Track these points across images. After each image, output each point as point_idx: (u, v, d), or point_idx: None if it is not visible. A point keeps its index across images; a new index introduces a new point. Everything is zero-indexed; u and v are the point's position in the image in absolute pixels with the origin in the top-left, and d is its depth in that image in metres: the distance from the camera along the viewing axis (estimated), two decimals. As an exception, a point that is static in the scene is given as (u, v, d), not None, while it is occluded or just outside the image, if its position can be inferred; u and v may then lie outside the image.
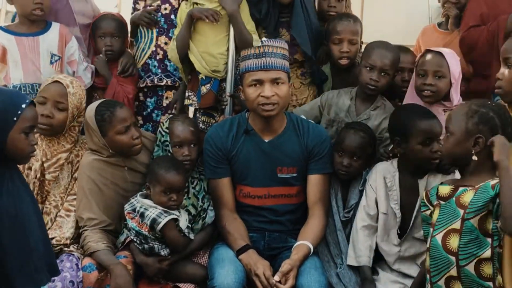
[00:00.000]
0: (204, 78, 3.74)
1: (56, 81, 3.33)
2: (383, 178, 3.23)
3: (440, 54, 3.36)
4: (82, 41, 3.95)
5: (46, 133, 3.31)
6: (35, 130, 2.57)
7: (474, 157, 2.55)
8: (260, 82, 3.19)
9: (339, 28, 3.75)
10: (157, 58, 3.97)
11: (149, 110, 4.04)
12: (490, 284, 2.49)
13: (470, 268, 2.48)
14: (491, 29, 3.50)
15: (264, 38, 3.37)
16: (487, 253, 2.47)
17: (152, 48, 3.96)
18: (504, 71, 2.79)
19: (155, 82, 3.97)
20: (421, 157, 3.12)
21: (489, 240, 2.48)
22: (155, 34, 3.93)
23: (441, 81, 3.34)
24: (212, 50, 3.71)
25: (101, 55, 3.95)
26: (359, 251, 3.20)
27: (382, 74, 3.50)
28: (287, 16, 3.85)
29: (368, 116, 3.55)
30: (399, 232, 3.19)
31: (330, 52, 3.80)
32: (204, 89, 3.75)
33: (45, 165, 3.32)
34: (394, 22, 3.84)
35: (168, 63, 3.95)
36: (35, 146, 2.54)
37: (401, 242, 3.18)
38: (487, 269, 2.48)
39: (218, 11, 3.65)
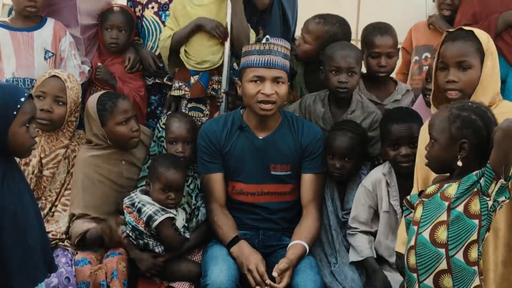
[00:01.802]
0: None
1: (54, 76, 3.36)
2: (382, 176, 3.22)
3: None
4: (82, 41, 3.94)
5: (46, 128, 3.34)
6: (34, 126, 2.57)
7: (459, 163, 2.53)
8: (261, 79, 3.19)
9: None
10: None
11: (153, 107, 4.04)
12: (476, 268, 2.47)
13: (459, 256, 2.45)
14: (482, 28, 3.47)
15: (267, 37, 3.33)
16: (474, 235, 2.46)
17: None
18: (458, 74, 2.76)
19: (164, 81, 3.96)
20: (390, 161, 3.19)
21: (476, 221, 2.46)
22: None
23: None
24: (205, 42, 3.71)
25: (99, 64, 3.95)
26: (358, 247, 3.20)
27: (350, 74, 3.44)
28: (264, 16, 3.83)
29: None
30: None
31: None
32: (192, 79, 3.77)
33: (44, 161, 3.34)
34: (391, 18, 3.80)
35: None
36: (35, 138, 2.55)
37: None
38: (473, 253, 2.46)
39: (225, 28, 3.64)
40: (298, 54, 3.83)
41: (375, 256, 3.19)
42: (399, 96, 3.68)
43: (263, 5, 3.76)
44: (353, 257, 3.21)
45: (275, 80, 3.19)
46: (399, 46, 3.95)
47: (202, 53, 3.72)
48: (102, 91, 3.57)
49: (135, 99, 3.89)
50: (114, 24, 3.92)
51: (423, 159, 2.85)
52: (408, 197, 2.74)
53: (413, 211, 2.69)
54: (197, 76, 3.76)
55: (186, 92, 3.80)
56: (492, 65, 2.78)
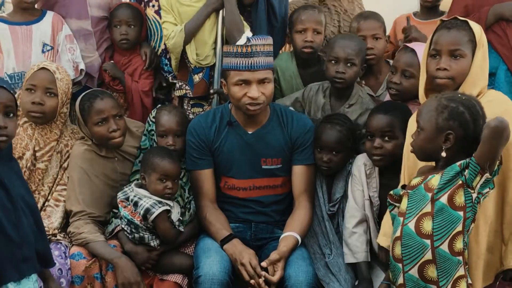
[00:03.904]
0: (196, 67, 3.76)
1: (43, 68, 3.34)
2: (364, 165, 3.22)
3: (413, 51, 3.26)
4: (92, 35, 3.91)
5: (39, 121, 3.33)
6: (12, 115, 2.50)
7: (443, 154, 2.53)
8: (246, 82, 3.16)
9: (303, 17, 3.71)
10: (168, 56, 3.91)
11: (160, 102, 4.00)
12: (460, 258, 2.49)
13: (444, 246, 2.47)
14: (473, 20, 3.46)
15: (248, 34, 3.29)
16: (459, 227, 2.46)
17: (162, 46, 3.92)
18: (449, 63, 2.76)
19: (170, 80, 3.94)
20: (366, 153, 3.18)
21: (461, 213, 2.46)
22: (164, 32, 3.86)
23: (408, 81, 3.25)
24: (206, 38, 3.72)
25: (104, 64, 3.93)
26: (354, 248, 3.18)
27: (348, 65, 3.44)
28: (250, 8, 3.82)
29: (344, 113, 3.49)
30: (377, 220, 3.20)
31: (293, 43, 3.72)
32: (196, 77, 3.77)
33: (38, 154, 3.34)
34: (382, 11, 3.82)
35: None
36: (5, 130, 2.47)
37: None
38: (458, 244, 2.47)
39: None
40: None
41: (369, 260, 3.18)
42: None
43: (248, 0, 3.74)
44: (348, 258, 3.20)
45: (261, 81, 3.17)
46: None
47: (205, 49, 3.73)
48: (90, 90, 3.55)
49: (142, 100, 3.90)
50: (122, 19, 3.88)
51: (409, 151, 2.86)
52: (391, 192, 2.74)
53: (397, 205, 2.69)
54: (201, 74, 3.77)
55: (187, 91, 3.81)
56: (482, 57, 2.79)
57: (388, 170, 3.18)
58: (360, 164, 3.23)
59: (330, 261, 3.22)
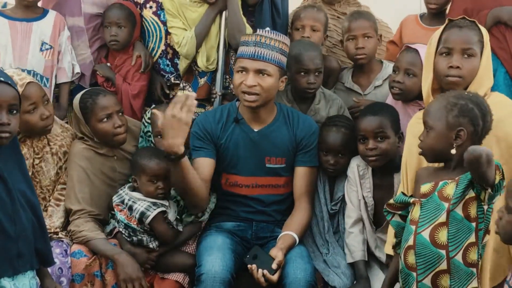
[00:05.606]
0: (203, 71, 3.79)
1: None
2: (357, 167, 3.27)
3: (415, 51, 3.29)
4: (85, 32, 3.90)
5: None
6: (15, 112, 2.45)
7: (453, 151, 2.51)
8: (245, 70, 3.20)
9: (302, 15, 3.76)
10: (168, 57, 3.92)
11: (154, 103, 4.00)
12: (474, 270, 2.48)
13: (459, 257, 2.46)
14: (472, 24, 3.51)
15: (267, 29, 3.33)
16: (472, 237, 2.46)
17: (162, 47, 3.91)
18: (461, 61, 2.77)
19: (172, 81, 3.93)
20: (360, 155, 3.22)
21: (473, 224, 2.45)
22: (163, 32, 3.87)
23: (411, 80, 3.28)
24: (213, 43, 3.75)
25: (96, 65, 3.93)
26: (352, 247, 3.23)
27: (316, 74, 3.49)
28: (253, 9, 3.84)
29: (316, 111, 3.57)
30: (372, 220, 3.25)
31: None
32: (202, 81, 3.78)
33: (36, 161, 3.30)
34: (385, 17, 3.84)
35: (178, 62, 3.89)
36: (8, 126, 2.41)
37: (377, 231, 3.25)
38: (472, 255, 2.46)
39: None
40: None
41: (366, 258, 3.23)
42: (380, 81, 3.66)
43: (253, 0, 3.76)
44: (348, 258, 3.25)
45: (259, 72, 3.19)
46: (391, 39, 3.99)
47: (212, 53, 3.75)
48: (87, 89, 3.55)
49: (131, 102, 3.88)
50: (112, 21, 3.84)
51: (411, 154, 2.86)
52: (392, 201, 2.71)
53: (397, 213, 2.66)
54: (205, 77, 3.79)
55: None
56: (487, 58, 2.82)
57: (381, 170, 3.23)
58: (354, 166, 3.28)
59: (328, 258, 3.27)
